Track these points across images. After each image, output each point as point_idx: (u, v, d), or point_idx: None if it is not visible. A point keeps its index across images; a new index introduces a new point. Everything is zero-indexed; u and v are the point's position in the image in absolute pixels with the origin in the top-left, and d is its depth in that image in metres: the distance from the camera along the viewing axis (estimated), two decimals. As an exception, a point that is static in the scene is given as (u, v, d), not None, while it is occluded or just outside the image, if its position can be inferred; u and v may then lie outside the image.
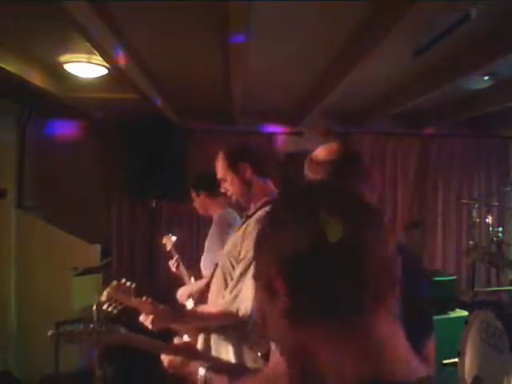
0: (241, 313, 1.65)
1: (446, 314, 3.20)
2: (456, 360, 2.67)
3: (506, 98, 3.58)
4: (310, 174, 1.40)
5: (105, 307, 1.66)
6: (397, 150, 5.03)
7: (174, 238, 3.12)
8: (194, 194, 2.92)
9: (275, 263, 0.59)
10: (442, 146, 5.06)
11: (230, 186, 1.89)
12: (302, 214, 0.59)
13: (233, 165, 1.87)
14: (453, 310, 3.27)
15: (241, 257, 1.73)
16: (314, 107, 3.94)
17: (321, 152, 1.40)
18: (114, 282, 1.71)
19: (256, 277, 0.65)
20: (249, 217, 1.84)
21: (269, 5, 2.10)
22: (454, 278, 3.43)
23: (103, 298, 1.67)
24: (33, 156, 4.18)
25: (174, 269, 3.00)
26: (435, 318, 3.28)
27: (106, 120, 4.45)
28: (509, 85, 3.37)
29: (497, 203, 4.59)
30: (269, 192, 1.89)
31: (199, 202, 2.90)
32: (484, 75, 3.13)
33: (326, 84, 3.31)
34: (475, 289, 3.65)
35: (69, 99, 3.60)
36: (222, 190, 1.94)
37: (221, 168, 1.90)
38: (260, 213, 1.77)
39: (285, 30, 2.47)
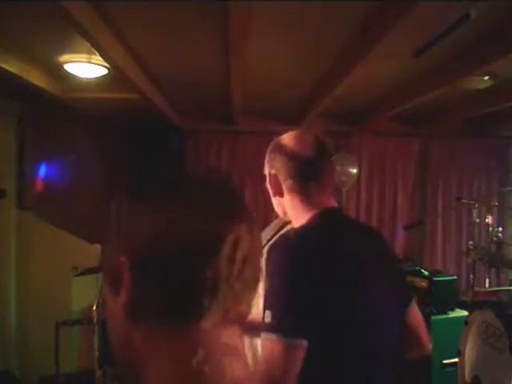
0: None
1: (445, 314, 3.20)
2: (456, 360, 2.67)
3: (506, 97, 3.58)
4: (272, 169, 1.22)
5: None
6: (397, 150, 5.03)
7: None
8: None
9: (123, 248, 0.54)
10: (442, 146, 5.06)
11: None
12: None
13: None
14: (453, 310, 3.26)
15: None
16: (314, 107, 3.94)
17: (293, 141, 1.23)
18: None
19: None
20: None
21: (269, 4, 2.11)
22: (454, 277, 3.42)
23: None
24: (33, 156, 4.18)
25: None
26: (435, 318, 3.27)
27: (105, 120, 4.46)
28: (509, 85, 3.37)
29: (497, 203, 4.59)
30: None
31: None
32: (484, 75, 3.13)
33: (326, 84, 3.31)
34: (475, 289, 3.64)
35: (69, 99, 3.60)
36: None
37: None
38: None
39: (285, 30, 2.47)
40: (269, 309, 0.99)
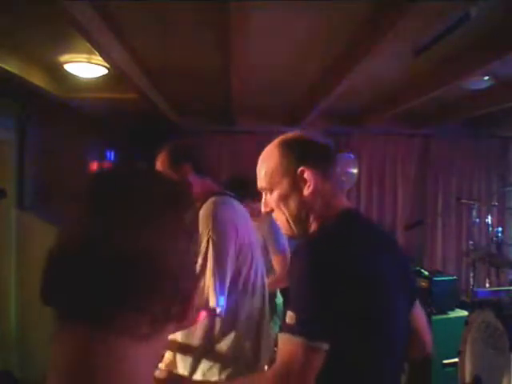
0: (210, 304, 1.65)
1: (445, 314, 3.20)
2: (456, 360, 2.66)
3: (506, 97, 3.58)
4: (298, 164, 1.13)
5: None
6: (397, 150, 5.03)
7: None
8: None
9: None
10: (442, 146, 5.06)
11: None
12: None
13: (174, 164, 1.82)
14: (453, 310, 3.26)
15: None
16: (313, 107, 3.94)
17: (311, 135, 1.21)
18: None
19: None
20: None
21: (269, 5, 2.11)
22: (454, 277, 3.42)
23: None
24: (33, 156, 4.17)
25: None
26: (435, 318, 3.27)
27: (105, 120, 4.46)
28: (509, 85, 3.37)
29: (497, 203, 4.59)
30: (207, 190, 1.87)
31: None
32: (484, 75, 3.13)
33: (326, 84, 3.31)
34: (475, 289, 3.64)
35: (69, 99, 3.60)
36: None
37: (161, 167, 1.84)
38: (205, 207, 1.76)
39: (285, 30, 2.47)
40: (292, 310, 0.98)
